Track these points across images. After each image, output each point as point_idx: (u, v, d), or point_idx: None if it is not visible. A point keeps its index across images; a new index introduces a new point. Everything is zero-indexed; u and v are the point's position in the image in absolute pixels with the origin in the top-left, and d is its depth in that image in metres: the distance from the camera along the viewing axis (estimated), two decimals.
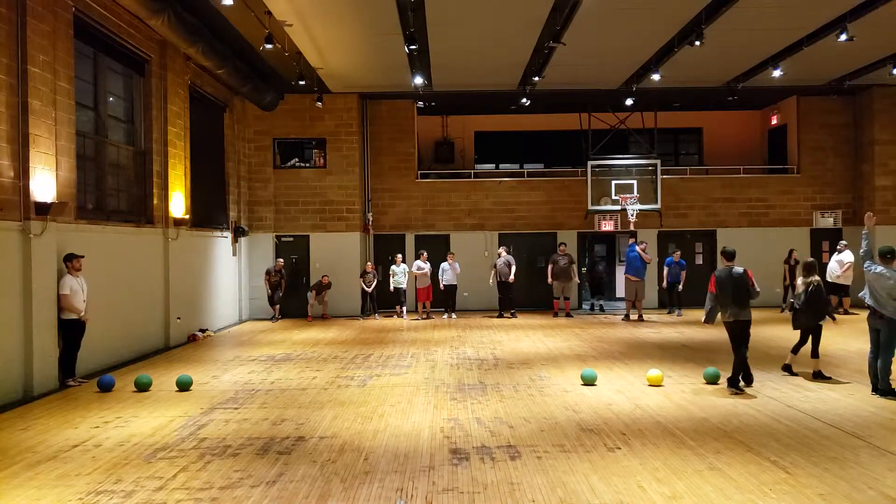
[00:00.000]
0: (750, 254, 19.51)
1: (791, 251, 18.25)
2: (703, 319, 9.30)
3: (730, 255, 9.22)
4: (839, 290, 16.75)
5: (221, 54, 14.04)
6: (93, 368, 10.57)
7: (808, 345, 9.62)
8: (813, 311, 9.33)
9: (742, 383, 8.89)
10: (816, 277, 9.39)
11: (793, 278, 18.12)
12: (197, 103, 15.23)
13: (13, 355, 8.81)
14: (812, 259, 9.95)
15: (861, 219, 19.53)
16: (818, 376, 9.40)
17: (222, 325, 16.45)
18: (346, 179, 18.79)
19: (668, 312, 18.14)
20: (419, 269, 17.78)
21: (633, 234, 19.24)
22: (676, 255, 17.96)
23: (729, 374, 8.90)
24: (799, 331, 9.78)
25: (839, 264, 16.62)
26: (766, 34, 13.99)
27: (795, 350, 9.86)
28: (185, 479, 5.76)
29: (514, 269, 17.62)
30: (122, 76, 12.60)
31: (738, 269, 8.97)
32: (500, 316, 17.88)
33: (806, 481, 5.50)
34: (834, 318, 9.46)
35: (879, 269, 8.41)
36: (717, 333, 14.21)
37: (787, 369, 9.83)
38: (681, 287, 17.87)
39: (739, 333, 8.88)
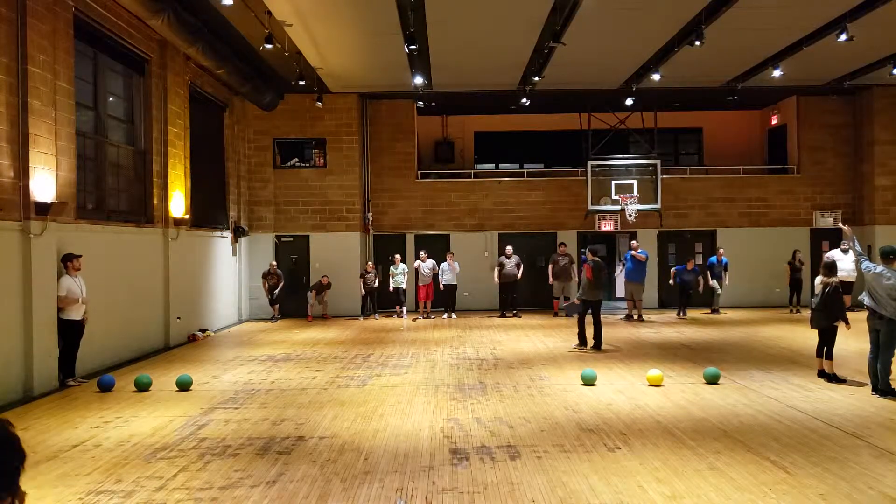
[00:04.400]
0: (750, 254, 19.58)
1: (795, 252, 18.22)
2: (575, 299, 12.86)
3: (596, 251, 12.74)
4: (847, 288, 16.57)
5: (221, 54, 14.04)
6: (93, 368, 10.57)
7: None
8: (828, 312, 9.15)
9: (587, 344, 12.22)
10: (836, 278, 9.21)
11: (795, 279, 18.12)
12: (197, 103, 15.23)
13: (13, 355, 8.80)
14: (833, 259, 9.87)
15: (861, 219, 19.61)
16: (833, 379, 9.17)
17: (222, 325, 16.45)
18: (346, 179, 18.79)
19: (679, 316, 17.60)
20: (423, 269, 17.85)
21: (633, 235, 19.27)
22: (690, 264, 17.57)
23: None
24: (817, 332, 9.45)
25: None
26: (766, 34, 13.99)
27: (819, 353, 9.47)
28: (185, 479, 5.76)
29: (522, 267, 17.80)
30: (122, 76, 12.60)
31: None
32: (503, 315, 17.90)
33: (806, 481, 5.50)
34: (847, 322, 9.14)
35: (879, 268, 8.40)
36: (718, 333, 14.25)
37: (822, 375, 9.38)
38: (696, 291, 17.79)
39: (599, 308, 12.39)
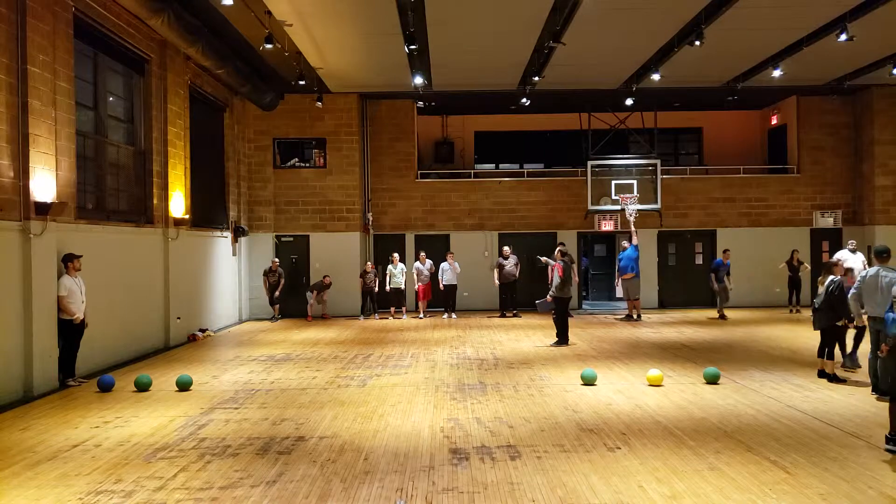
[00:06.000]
0: (750, 254, 19.58)
1: (794, 251, 18.20)
2: (548, 296, 13.29)
3: (565, 253, 13.49)
4: None
5: (221, 54, 14.04)
6: (93, 368, 10.57)
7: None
8: (831, 312, 9.08)
9: (562, 340, 12.77)
10: (838, 277, 9.16)
11: (794, 279, 18.09)
12: (197, 103, 15.22)
13: (13, 355, 8.80)
14: (836, 259, 9.83)
15: (861, 219, 19.63)
16: (833, 379, 9.15)
17: (222, 325, 16.45)
18: (346, 179, 18.79)
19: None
20: (417, 269, 17.88)
21: (629, 236, 19.27)
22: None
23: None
24: (819, 332, 9.37)
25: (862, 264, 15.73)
26: (766, 34, 13.99)
27: (821, 353, 9.42)
28: (185, 479, 5.76)
29: (520, 266, 17.80)
30: (122, 76, 12.59)
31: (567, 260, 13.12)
32: (503, 315, 17.89)
33: (806, 481, 5.50)
34: (851, 321, 9.06)
35: (875, 269, 8.41)
36: (718, 333, 14.25)
37: (822, 375, 9.36)
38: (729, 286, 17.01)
39: (566, 305, 13.09)
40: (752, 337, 13.67)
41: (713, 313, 17.60)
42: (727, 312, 17.21)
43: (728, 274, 17.11)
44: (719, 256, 17.73)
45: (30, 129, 9.05)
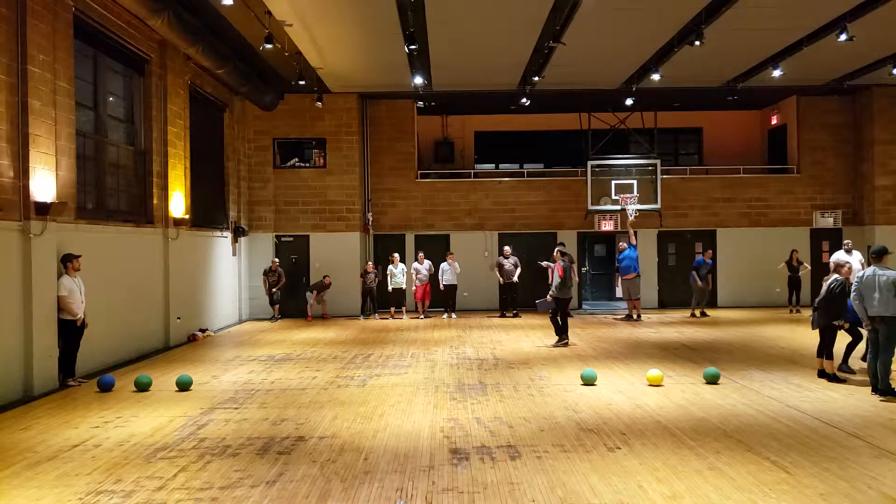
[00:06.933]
0: (750, 254, 19.58)
1: (793, 251, 18.21)
2: (548, 296, 13.19)
3: (565, 253, 13.80)
4: None
5: (221, 54, 14.04)
6: (93, 368, 10.57)
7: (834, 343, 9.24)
8: (828, 310, 9.07)
9: (563, 339, 12.76)
10: (840, 277, 9.13)
11: (794, 279, 18.09)
12: (197, 103, 15.22)
13: (13, 355, 8.80)
14: (843, 260, 9.83)
15: (861, 219, 19.62)
16: (833, 379, 9.14)
17: (222, 325, 16.45)
18: (346, 179, 18.80)
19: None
20: (416, 269, 17.90)
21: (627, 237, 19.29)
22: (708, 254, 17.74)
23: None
24: (819, 332, 9.35)
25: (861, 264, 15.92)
26: (766, 34, 13.99)
27: (820, 353, 9.39)
28: (185, 479, 5.76)
29: (519, 269, 17.72)
30: (122, 76, 12.59)
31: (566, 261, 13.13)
32: (503, 315, 17.89)
33: (806, 481, 5.50)
34: (847, 322, 9.10)
35: (871, 269, 8.41)
36: (718, 333, 14.26)
37: (822, 375, 9.34)
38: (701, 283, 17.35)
39: (567, 306, 13.22)
40: (752, 337, 13.67)
41: (709, 312, 17.65)
42: (706, 311, 17.51)
43: (709, 272, 17.45)
44: (700, 255, 17.96)
45: (30, 129, 9.05)
